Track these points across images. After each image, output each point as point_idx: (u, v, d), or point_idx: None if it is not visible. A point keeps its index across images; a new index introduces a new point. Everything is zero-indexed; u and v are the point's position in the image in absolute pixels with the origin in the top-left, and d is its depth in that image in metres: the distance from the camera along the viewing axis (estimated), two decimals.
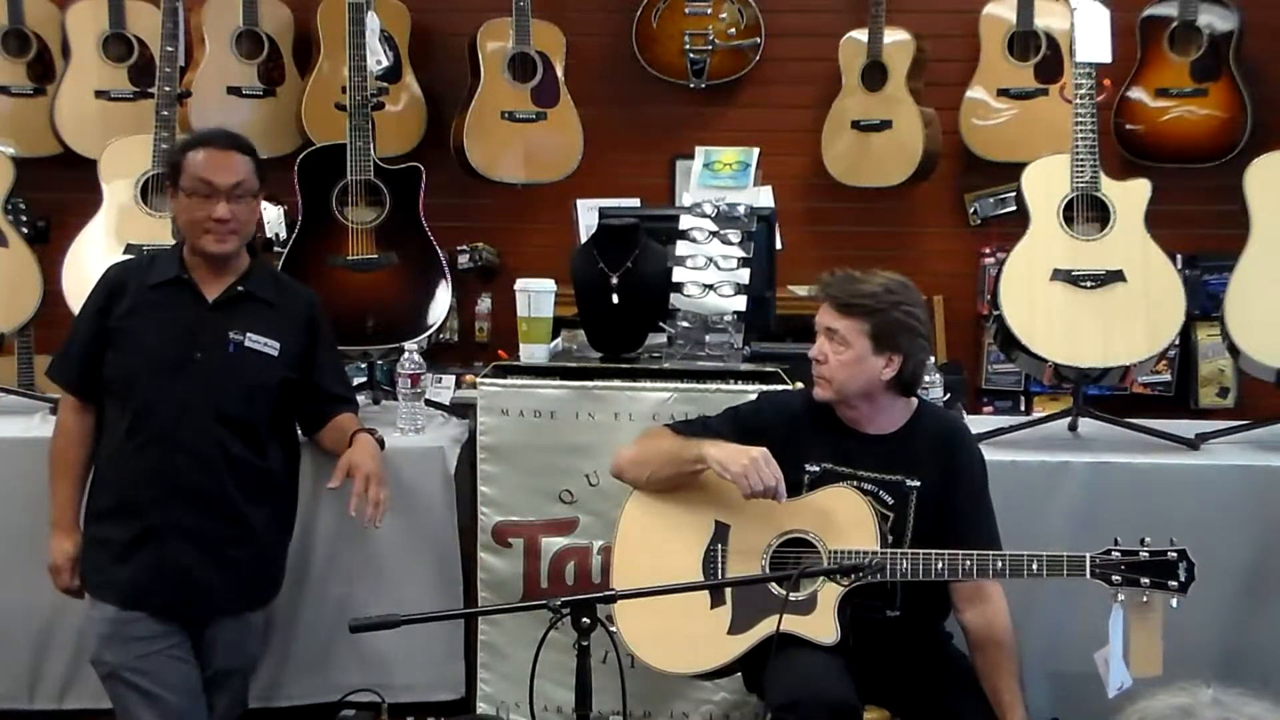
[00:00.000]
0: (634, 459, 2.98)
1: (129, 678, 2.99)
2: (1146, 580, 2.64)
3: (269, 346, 3.09)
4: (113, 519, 3.03)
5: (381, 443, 3.24)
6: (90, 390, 3.10)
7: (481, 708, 3.47)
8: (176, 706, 3.00)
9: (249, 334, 3.07)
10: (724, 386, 3.33)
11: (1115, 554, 2.67)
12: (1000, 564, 2.70)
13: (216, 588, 3.05)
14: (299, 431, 3.29)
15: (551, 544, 3.41)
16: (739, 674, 2.96)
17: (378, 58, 3.97)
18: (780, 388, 3.28)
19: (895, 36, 5.11)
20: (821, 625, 2.75)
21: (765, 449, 2.79)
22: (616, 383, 3.38)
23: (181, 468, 2.99)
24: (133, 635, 2.99)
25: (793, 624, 2.74)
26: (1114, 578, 2.65)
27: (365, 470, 3.11)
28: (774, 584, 2.78)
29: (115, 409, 3.06)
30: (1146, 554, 2.65)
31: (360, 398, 3.65)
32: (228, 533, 3.04)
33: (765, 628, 2.76)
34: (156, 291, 3.07)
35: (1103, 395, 4.42)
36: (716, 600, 2.86)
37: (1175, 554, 2.65)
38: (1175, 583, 2.64)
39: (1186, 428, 3.60)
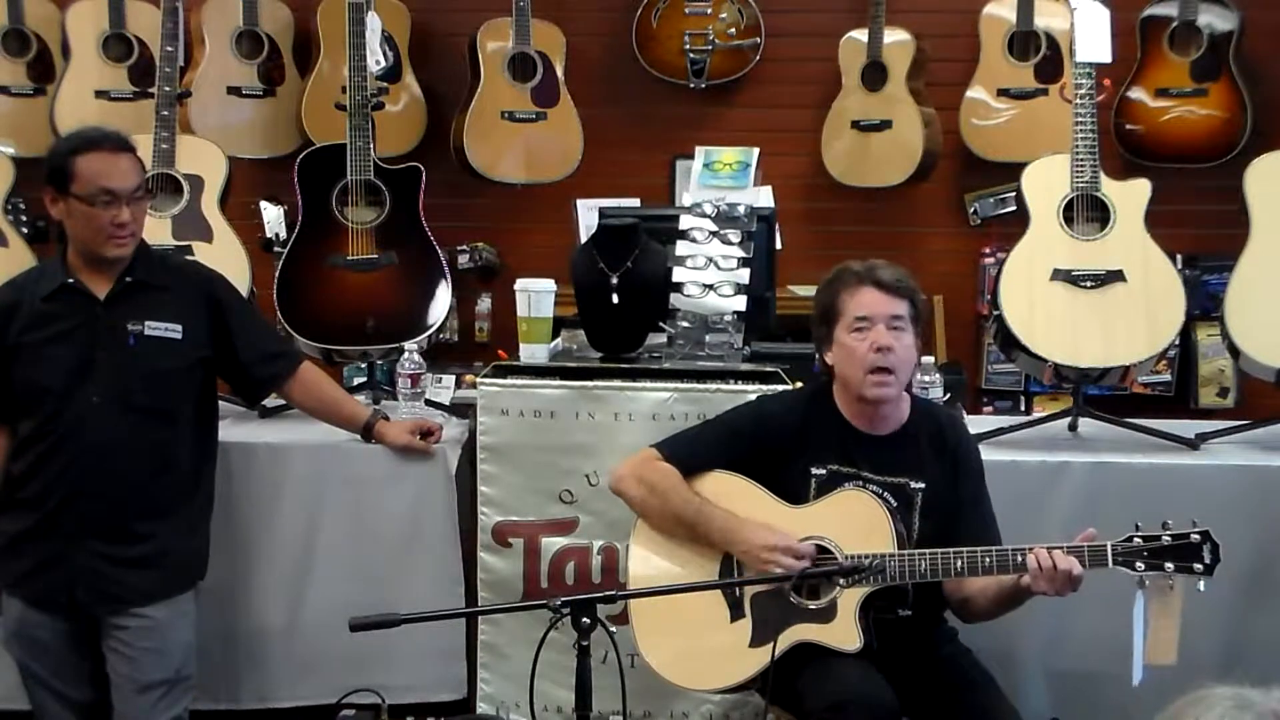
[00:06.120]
0: (641, 505, 2.95)
1: (36, 673, 3.09)
2: (1171, 565, 2.59)
3: (171, 331, 3.07)
4: (17, 517, 3.04)
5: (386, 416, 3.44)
6: (4, 412, 3.09)
7: (482, 708, 3.47)
8: (80, 701, 3.09)
9: (147, 322, 3.05)
10: (724, 386, 3.32)
11: (1137, 540, 2.61)
12: (1020, 558, 2.66)
13: (126, 579, 3.03)
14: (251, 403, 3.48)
15: (551, 544, 3.40)
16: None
17: (377, 58, 3.97)
18: (779, 388, 3.27)
19: (895, 36, 5.10)
20: (843, 633, 2.73)
21: (781, 539, 2.76)
22: (616, 383, 3.38)
23: (87, 464, 2.99)
24: (36, 637, 3.05)
25: (814, 633, 2.74)
26: (1138, 564, 2.60)
27: (417, 444, 3.40)
28: (794, 594, 2.77)
29: (26, 423, 3.05)
30: (1169, 538, 2.60)
31: (360, 397, 3.66)
32: (139, 523, 3.04)
33: (787, 639, 2.74)
34: (49, 303, 3.05)
35: (1103, 395, 4.41)
36: (736, 614, 2.85)
37: (1199, 535, 2.60)
38: (1200, 565, 2.59)
39: (1186, 428, 3.60)
